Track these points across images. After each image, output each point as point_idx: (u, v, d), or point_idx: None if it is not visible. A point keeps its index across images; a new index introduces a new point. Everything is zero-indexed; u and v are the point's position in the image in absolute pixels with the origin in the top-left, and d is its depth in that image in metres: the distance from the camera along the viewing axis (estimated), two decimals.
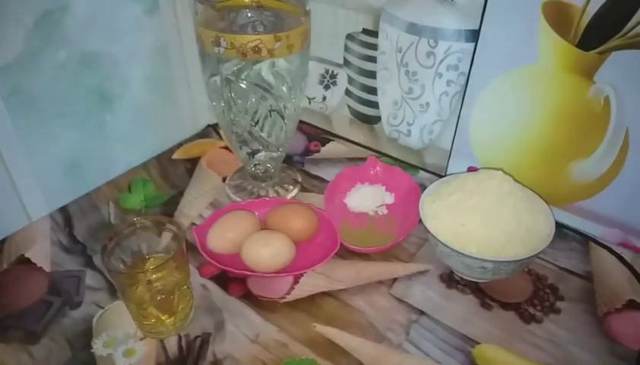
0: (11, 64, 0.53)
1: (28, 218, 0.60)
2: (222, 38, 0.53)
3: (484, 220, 0.50)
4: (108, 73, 0.63)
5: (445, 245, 0.50)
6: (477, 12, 0.57)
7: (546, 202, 0.54)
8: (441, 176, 0.70)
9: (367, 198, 0.64)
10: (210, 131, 0.80)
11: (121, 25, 0.62)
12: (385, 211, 0.63)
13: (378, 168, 0.67)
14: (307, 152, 0.76)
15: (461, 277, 0.54)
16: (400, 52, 0.67)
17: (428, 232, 0.52)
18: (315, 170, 0.72)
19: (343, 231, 0.59)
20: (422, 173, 0.71)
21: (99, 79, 0.62)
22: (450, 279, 0.55)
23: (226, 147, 0.77)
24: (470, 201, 0.51)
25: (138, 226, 0.48)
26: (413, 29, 0.64)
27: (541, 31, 0.54)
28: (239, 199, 0.66)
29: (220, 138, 0.78)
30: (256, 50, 0.53)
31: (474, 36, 0.59)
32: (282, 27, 0.56)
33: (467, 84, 0.63)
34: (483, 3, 0.57)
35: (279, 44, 0.53)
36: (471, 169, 0.67)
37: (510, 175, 0.54)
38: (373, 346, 0.49)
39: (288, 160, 0.71)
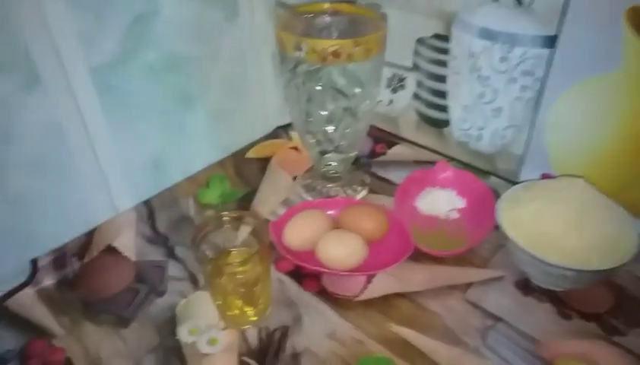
0: (107, 63, 0.56)
1: (115, 210, 0.64)
2: (303, 43, 0.54)
3: (567, 228, 0.49)
4: (190, 75, 0.66)
5: (527, 253, 0.49)
6: (555, 17, 0.57)
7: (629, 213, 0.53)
8: (512, 182, 0.69)
9: (438, 202, 0.64)
10: (280, 132, 0.82)
11: (205, 30, 0.65)
12: (457, 216, 0.63)
13: (448, 172, 0.67)
14: (373, 154, 0.77)
15: (538, 285, 0.54)
16: (473, 57, 0.67)
17: (507, 238, 0.52)
18: (382, 172, 0.73)
19: (413, 234, 0.59)
20: (492, 179, 0.71)
21: (182, 80, 0.65)
22: (526, 286, 0.54)
23: (295, 148, 0.78)
24: (553, 208, 0.51)
25: (225, 219, 0.51)
26: (487, 34, 0.64)
27: (625, 37, 0.53)
28: (309, 198, 0.68)
29: (290, 138, 0.80)
30: (336, 54, 0.54)
31: (551, 41, 0.58)
32: (355, 32, 0.57)
33: (542, 89, 0.62)
34: (561, 8, 0.56)
35: (358, 48, 0.54)
36: (545, 176, 0.66)
37: (591, 184, 0.53)
38: (450, 349, 0.49)
39: (355, 161, 0.72)
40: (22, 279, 0.56)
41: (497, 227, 0.54)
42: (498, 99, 0.67)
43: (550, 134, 0.63)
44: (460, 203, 0.64)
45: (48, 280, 0.56)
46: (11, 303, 0.54)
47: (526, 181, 0.59)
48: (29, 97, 0.51)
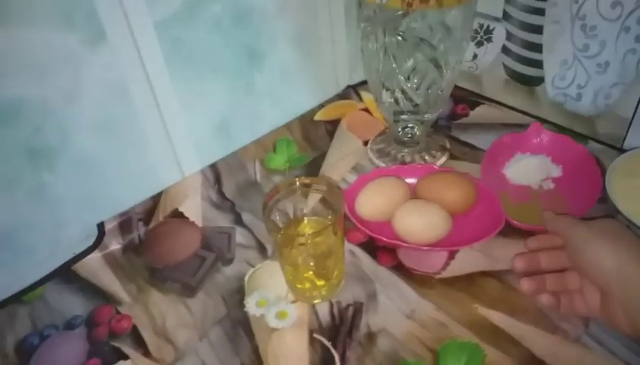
0: (171, 17, 0.53)
1: (181, 173, 0.62)
2: None
3: None
4: (257, 29, 0.61)
5: None
6: None
7: None
8: (616, 148, 0.61)
9: (531, 170, 0.57)
10: (351, 92, 0.76)
11: None
12: (552, 186, 0.56)
13: (542, 136, 0.60)
14: (454, 116, 0.70)
15: None
16: (577, 3, 0.58)
17: (618, 212, 0.45)
18: (464, 136, 0.66)
19: (505, 206, 0.53)
20: (592, 144, 0.62)
21: (249, 35, 0.61)
22: None
23: (366, 109, 0.73)
24: None
25: (298, 186, 0.46)
26: None
27: None
28: (382, 164, 0.63)
29: (361, 99, 0.75)
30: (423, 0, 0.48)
31: None
32: None
33: None
34: None
35: None
36: None
37: None
38: (546, 336, 0.43)
39: (434, 124, 0.66)
40: (89, 243, 0.55)
41: (601, 200, 0.47)
42: (605, 52, 0.58)
43: None
44: (556, 171, 0.57)
45: (114, 245, 0.55)
46: (79, 267, 0.53)
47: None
48: (94, 55, 0.49)
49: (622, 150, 0.60)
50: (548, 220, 0.45)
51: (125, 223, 0.57)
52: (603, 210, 0.48)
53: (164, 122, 0.57)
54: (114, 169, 0.55)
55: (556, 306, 0.42)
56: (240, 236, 0.55)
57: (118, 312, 0.49)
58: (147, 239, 0.56)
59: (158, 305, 0.49)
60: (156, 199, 0.59)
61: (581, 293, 0.42)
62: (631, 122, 0.59)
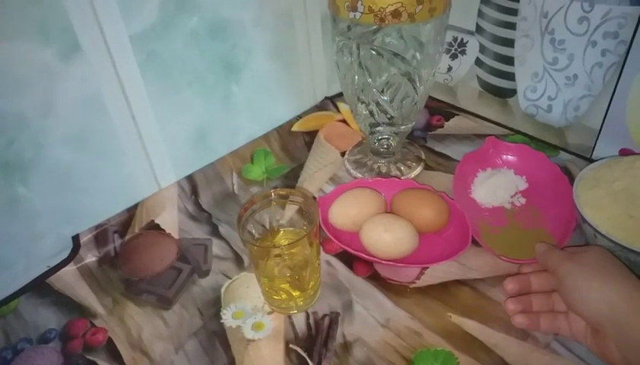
0: (148, 30, 0.53)
1: (158, 185, 0.61)
2: (359, 2, 0.49)
3: None
4: (234, 42, 0.61)
5: (610, 239, 0.43)
6: None
7: None
8: (585, 158, 0.62)
9: (498, 189, 0.56)
10: (328, 103, 0.77)
11: None
12: (523, 201, 0.56)
13: (500, 149, 0.60)
14: (429, 127, 0.71)
15: None
16: (546, 18, 0.60)
17: (584, 222, 0.46)
18: (439, 147, 0.67)
19: (484, 235, 0.52)
20: (563, 154, 0.64)
21: (226, 48, 0.61)
22: None
23: (343, 121, 0.74)
24: None
25: (273, 197, 0.47)
26: None
27: None
28: (359, 175, 0.64)
29: (338, 110, 0.76)
30: (396, 15, 0.49)
31: None
32: None
33: (627, 54, 0.54)
34: None
35: (420, 7, 0.49)
36: (624, 152, 0.59)
37: None
38: (517, 343, 0.44)
39: (409, 135, 0.67)
40: (64, 255, 0.54)
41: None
42: (573, 66, 0.60)
43: (633, 105, 0.56)
44: (522, 183, 0.58)
45: (90, 257, 0.55)
46: (54, 280, 0.53)
47: (606, 157, 0.52)
48: (69, 67, 0.49)
49: (591, 161, 0.62)
50: (539, 255, 0.45)
51: (101, 236, 0.56)
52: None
53: (140, 134, 0.57)
54: (89, 182, 0.55)
55: (533, 327, 0.43)
56: (217, 247, 0.55)
57: (94, 325, 0.48)
58: (123, 252, 0.56)
59: (134, 317, 0.49)
60: (132, 211, 0.59)
61: (566, 316, 0.43)
62: (599, 132, 0.61)
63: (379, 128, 0.61)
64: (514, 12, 0.63)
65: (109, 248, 0.56)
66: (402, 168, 0.64)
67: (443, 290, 0.49)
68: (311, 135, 0.71)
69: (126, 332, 0.48)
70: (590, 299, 0.38)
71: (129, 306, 0.50)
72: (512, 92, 0.68)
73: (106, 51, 0.51)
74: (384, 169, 0.64)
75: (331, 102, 0.77)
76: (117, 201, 0.58)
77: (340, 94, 0.77)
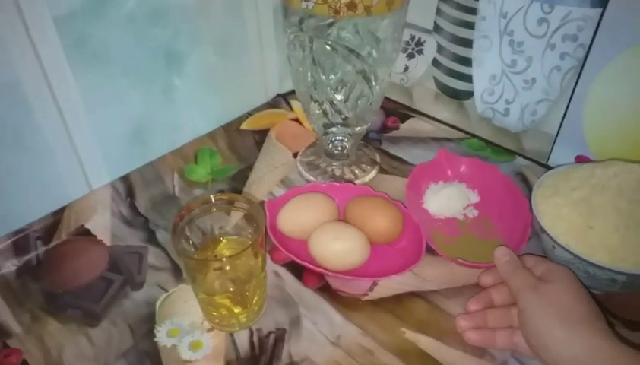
0: (77, 12, 0.47)
1: (89, 186, 0.56)
2: None
3: (619, 222, 0.41)
4: (176, 29, 0.56)
5: (568, 251, 0.42)
6: None
7: None
8: (541, 164, 0.61)
9: (450, 201, 0.54)
10: (280, 101, 0.73)
11: None
12: (476, 213, 0.55)
13: (452, 162, 0.58)
14: (384, 129, 0.69)
15: None
16: (505, 18, 0.58)
17: (543, 232, 0.44)
18: (394, 150, 0.65)
19: (439, 245, 0.50)
20: (519, 159, 0.63)
21: (167, 35, 0.56)
22: None
23: (296, 120, 0.70)
24: (601, 198, 0.43)
25: (214, 203, 0.42)
26: None
27: None
28: (312, 178, 0.60)
29: (291, 109, 0.72)
30: (351, 6, 0.45)
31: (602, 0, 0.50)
32: None
33: (586, 58, 0.53)
34: None
35: (377, 0, 0.45)
36: (580, 159, 0.58)
37: None
38: (474, 361, 0.42)
39: (364, 137, 0.64)
40: None
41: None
42: (531, 69, 0.58)
43: (590, 111, 0.55)
44: (475, 197, 0.56)
45: (7, 267, 0.49)
46: None
47: (564, 164, 0.50)
48: None
49: (547, 167, 0.61)
50: (500, 266, 0.43)
51: (21, 242, 0.50)
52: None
53: (68, 129, 0.51)
54: (8, 181, 0.49)
55: (488, 343, 0.42)
56: (153, 256, 0.50)
57: (7, 346, 0.42)
58: (47, 261, 0.50)
59: (55, 336, 0.44)
60: (58, 215, 0.53)
61: None
62: (555, 138, 0.60)
63: (333, 129, 0.57)
64: (473, 11, 0.61)
65: (30, 256, 0.50)
66: (356, 171, 0.61)
67: (397, 303, 0.46)
68: (261, 134, 0.67)
69: (44, 353, 0.42)
70: (551, 348, 0.36)
71: (50, 322, 0.45)
72: (469, 94, 0.66)
73: (25, 33, 0.45)
74: (337, 172, 0.61)
75: (284, 99, 0.73)
76: (40, 203, 0.52)
77: (294, 92, 0.73)
